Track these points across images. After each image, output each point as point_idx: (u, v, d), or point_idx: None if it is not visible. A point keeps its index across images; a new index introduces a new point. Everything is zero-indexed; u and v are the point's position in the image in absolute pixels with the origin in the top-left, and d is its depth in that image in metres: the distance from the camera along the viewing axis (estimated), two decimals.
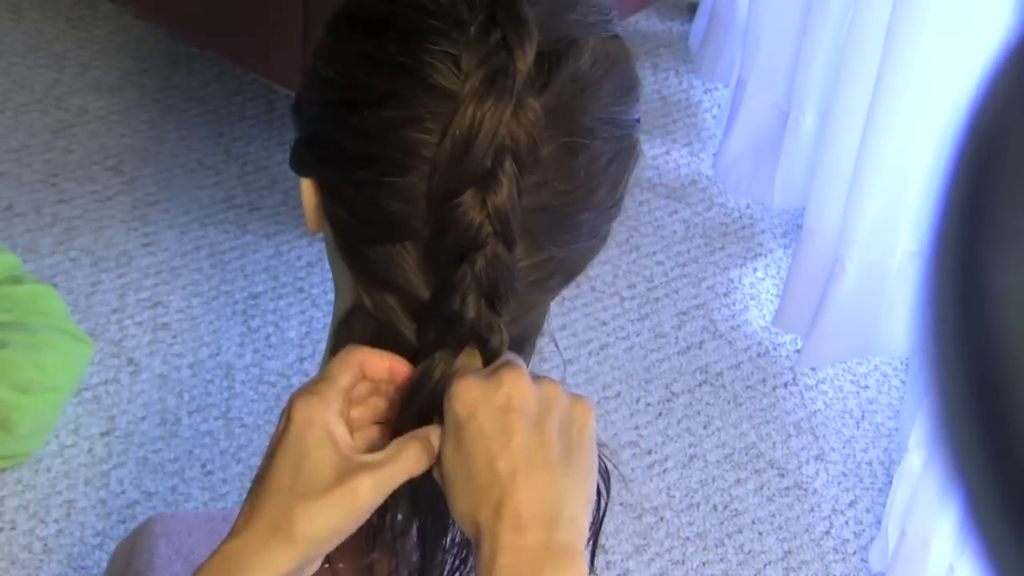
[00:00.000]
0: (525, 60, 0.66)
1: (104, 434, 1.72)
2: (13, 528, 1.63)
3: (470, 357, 0.70)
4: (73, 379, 1.72)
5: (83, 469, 1.69)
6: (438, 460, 0.68)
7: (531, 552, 0.65)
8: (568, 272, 0.74)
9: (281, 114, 2.19)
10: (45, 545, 1.61)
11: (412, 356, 0.71)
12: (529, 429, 0.66)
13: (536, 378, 0.68)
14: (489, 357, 0.70)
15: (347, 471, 0.66)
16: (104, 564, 1.58)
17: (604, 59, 0.71)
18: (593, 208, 0.72)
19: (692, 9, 2.43)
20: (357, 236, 0.72)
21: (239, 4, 1.98)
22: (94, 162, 2.09)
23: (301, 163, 0.73)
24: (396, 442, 0.68)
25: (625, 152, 0.73)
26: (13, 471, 1.68)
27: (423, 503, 0.73)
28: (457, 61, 0.66)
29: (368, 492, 0.66)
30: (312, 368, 1.80)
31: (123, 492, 1.67)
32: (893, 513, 1.63)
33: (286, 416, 0.68)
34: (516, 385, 0.66)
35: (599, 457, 0.75)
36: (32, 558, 1.60)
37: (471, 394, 0.66)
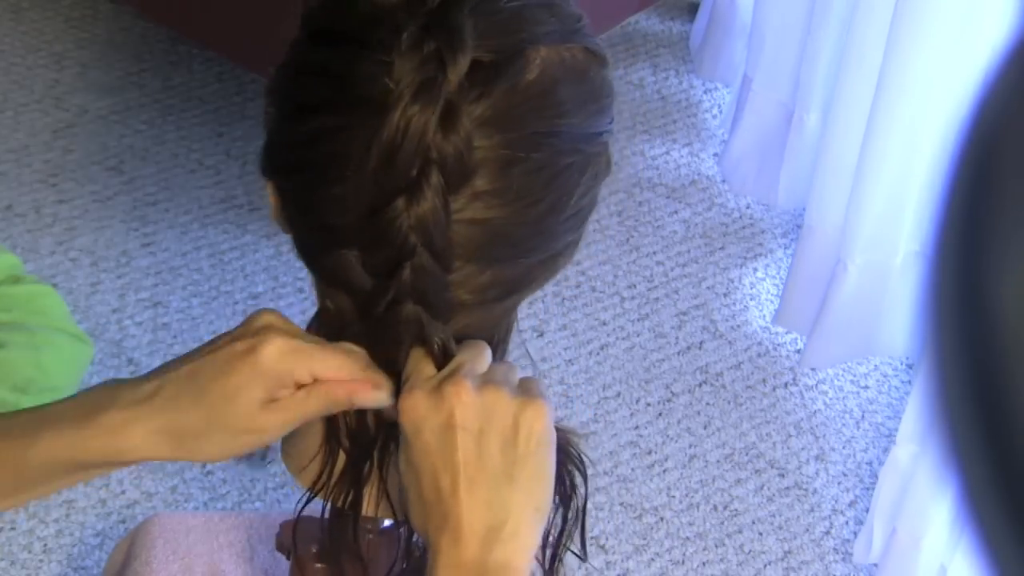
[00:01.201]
0: (456, 70, 0.64)
1: None
2: (13, 528, 1.63)
3: (419, 360, 0.70)
4: (73, 379, 1.72)
5: None
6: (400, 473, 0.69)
7: (467, 569, 0.65)
8: (514, 286, 0.72)
9: None
10: (45, 545, 1.61)
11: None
12: (469, 445, 0.66)
13: (483, 384, 0.68)
14: (436, 356, 0.70)
15: (270, 410, 0.69)
16: (104, 564, 1.58)
17: (558, 70, 0.69)
18: (532, 224, 0.69)
19: (692, 9, 2.43)
20: (308, 241, 0.72)
21: (239, 4, 1.98)
22: (94, 162, 2.09)
23: (262, 167, 0.74)
24: (305, 390, 0.70)
25: (576, 167, 0.70)
26: None
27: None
28: (390, 70, 0.65)
29: (279, 435, 0.71)
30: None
31: (123, 492, 1.67)
32: (879, 506, 1.63)
33: (255, 335, 0.70)
34: (458, 401, 0.66)
35: (570, 448, 0.75)
36: (32, 558, 1.60)
37: (417, 411, 0.67)
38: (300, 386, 0.70)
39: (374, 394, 0.70)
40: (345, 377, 0.70)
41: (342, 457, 0.76)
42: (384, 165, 0.65)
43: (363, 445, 0.75)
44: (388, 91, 0.65)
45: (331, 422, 0.75)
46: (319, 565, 0.80)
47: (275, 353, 0.69)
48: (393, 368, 0.71)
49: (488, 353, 0.71)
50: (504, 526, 0.66)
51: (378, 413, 0.74)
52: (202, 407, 0.69)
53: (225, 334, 0.72)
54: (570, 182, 0.70)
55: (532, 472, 0.68)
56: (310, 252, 0.72)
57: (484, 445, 0.67)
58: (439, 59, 0.65)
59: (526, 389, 0.69)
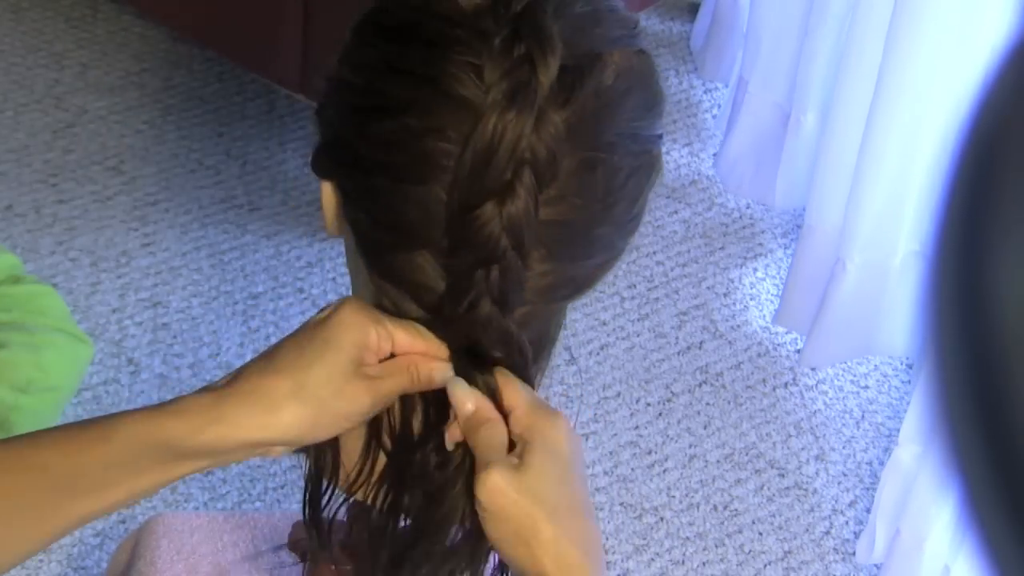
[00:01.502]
0: (548, 74, 0.66)
1: None
2: None
3: (495, 427, 0.72)
4: (73, 379, 1.72)
5: None
6: (517, 491, 0.70)
7: None
8: (579, 285, 0.73)
9: (281, 114, 2.19)
10: None
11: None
12: (551, 523, 0.70)
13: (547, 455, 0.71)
14: (510, 365, 0.72)
15: (358, 379, 0.69)
16: (104, 564, 1.58)
17: (627, 74, 0.71)
18: (610, 223, 0.71)
19: (693, 9, 2.43)
20: (377, 241, 0.72)
21: (239, 4, 1.98)
22: (94, 162, 2.09)
23: (322, 167, 0.73)
24: (396, 362, 0.71)
25: (645, 167, 0.72)
26: None
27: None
28: (480, 73, 0.66)
29: (368, 411, 0.71)
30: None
31: None
32: (882, 507, 1.63)
33: (332, 306, 0.71)
34: (539, 482, 0.69)
35: None
36: (32, 558, 1.60)
37: (572, 441, 0.72)
38: (382, 361, 0.71)
39: (452, 376, 0.72)
40: (421, 348, 0.71)
41: (382, 458, 0.76)
42: (479, 167, 0.66)
43: (406, 447, 0.75)
44: (480, 93, 0.66)
45: (374, 422, 0.75)
46: (347, 567, 0.80)
47: (356, 309, 0.70)
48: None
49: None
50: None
51: (426, 416, 0.74)
52: (290, 372, 0.69)
53: (300, 325, 0.73)
54: (641, 183, 0.72)
55: (590, 515, 0.73)
56: (378, 252, 0.72)
57: (563, 519, 0.70)
58: (530, 62, 0.65)
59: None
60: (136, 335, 1.85)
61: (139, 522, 1.36)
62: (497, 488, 0.68)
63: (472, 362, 0.72)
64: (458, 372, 0.72)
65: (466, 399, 0.72)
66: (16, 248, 1.93)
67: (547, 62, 0.65)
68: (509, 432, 0.72)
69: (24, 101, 2.18)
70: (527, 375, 0.74)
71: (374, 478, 0.76)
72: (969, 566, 1.52)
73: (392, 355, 0.72)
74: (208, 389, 0.70)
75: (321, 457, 0.77)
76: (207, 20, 2.04)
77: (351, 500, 0.78)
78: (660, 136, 0.74)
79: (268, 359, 0.70)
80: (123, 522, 1.63)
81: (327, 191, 0.73)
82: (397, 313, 0.73)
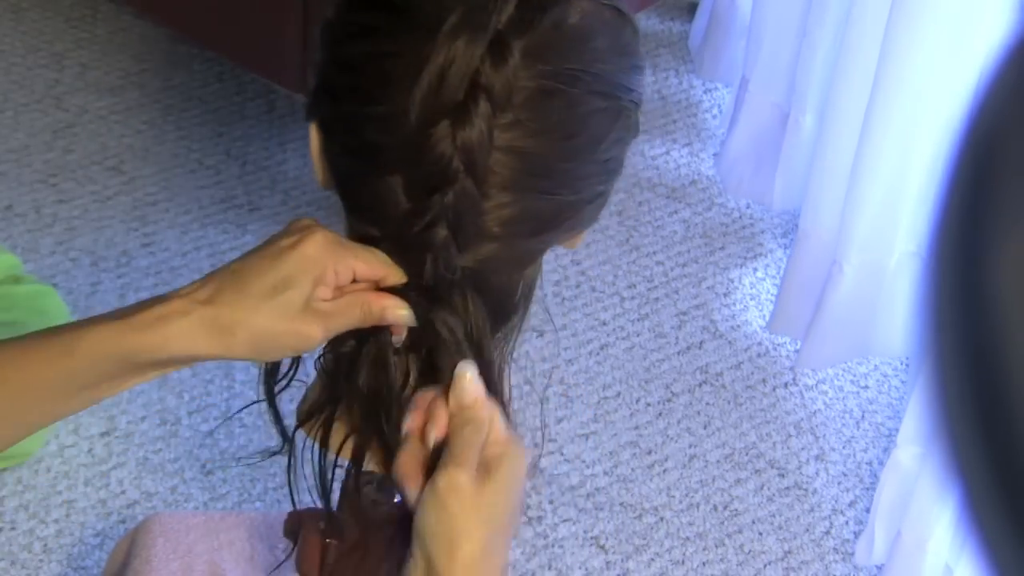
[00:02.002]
0: (508, 2, 0.69)
1: (104, 434, 1.72)
2: (13, 528, 1.63)
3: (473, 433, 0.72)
4: None
5: (83, 469, 1.69)
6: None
7: None
8: (542, 223, 0.74)
9: (281, 114, 2.19)
10: (45, 545, 1.61)
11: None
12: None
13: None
14: (454, 309, 0.74)
15: (310, 314, 0.72)
16: (104, 564, 1.58)
17: (594, 19, 0.73)
18: (572, 159, 0.73)
19: (692, 9, 2.43)
20: (348, 170, 0.74)
21: (239, 4, 1.98)
22: (94, 162, 2.09)
23: (308, 108, 0.76)
24: (348, 299, 0.73)
25: (612, 112, 0.74)
26: (13, 471, 1.68)
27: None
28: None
29: (315, 345, 0.74)
30: (312, 368, 1.79)
31: (123, 492, 1.67)
32: (880, 508, 1.63)
33: (300, 232, 0.72)
34: (494, 503, 0.70)
35: None
36: (32, 558, 1.60)
37: (457, 500, 0.70)
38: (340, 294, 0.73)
39: (403, 312, 0.73)
40: (381, 274, 0.73)
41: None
42: (433, 88, 0.68)
43: (338, 372, 0.78)
44: (439, 18, 0.68)
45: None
46: (328, 540, 0.80)
47: (320, 243, 0.72)
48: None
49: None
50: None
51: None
52: (247, 300, 0.72)
53: (269, 237, 0.74)
54: (603, 125, 0.74)
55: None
56: (351, 183, 0.75)
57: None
58: None
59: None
60: None
61: (139, 522, 1.36)
62: (461, 489, 0.69)
63: (427, 299, 0.74)
64: (414, 308, 0.74)
65: (472, 388, 0.73)
66: (16, 248, 1.93)
67: None
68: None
69: (24, 101, 2.18)
70: (477, 322, 0.76)
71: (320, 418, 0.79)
72: (971, 567, 1.52)
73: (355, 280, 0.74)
74: (170, 298, 0.73)
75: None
76: (207, 20, 2.04)
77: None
78: (633, 91, 0.76)
79: (233, 278, 0.73)
80: (123, 522, 1.63)
81: (313, 135, 0.76)
82: (364, 242, 0.75)
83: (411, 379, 0.77)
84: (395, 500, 0.79)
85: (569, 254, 2.02)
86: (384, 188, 0.72)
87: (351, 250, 0.73)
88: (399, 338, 0.75)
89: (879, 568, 1.66)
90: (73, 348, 0.72)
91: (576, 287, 1.98)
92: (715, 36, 2.26)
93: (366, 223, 0.74)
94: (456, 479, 0.69)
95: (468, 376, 0.73)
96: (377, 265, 0.73)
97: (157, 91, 2.21)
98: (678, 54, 2.38)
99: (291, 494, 0.80)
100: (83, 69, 2.24)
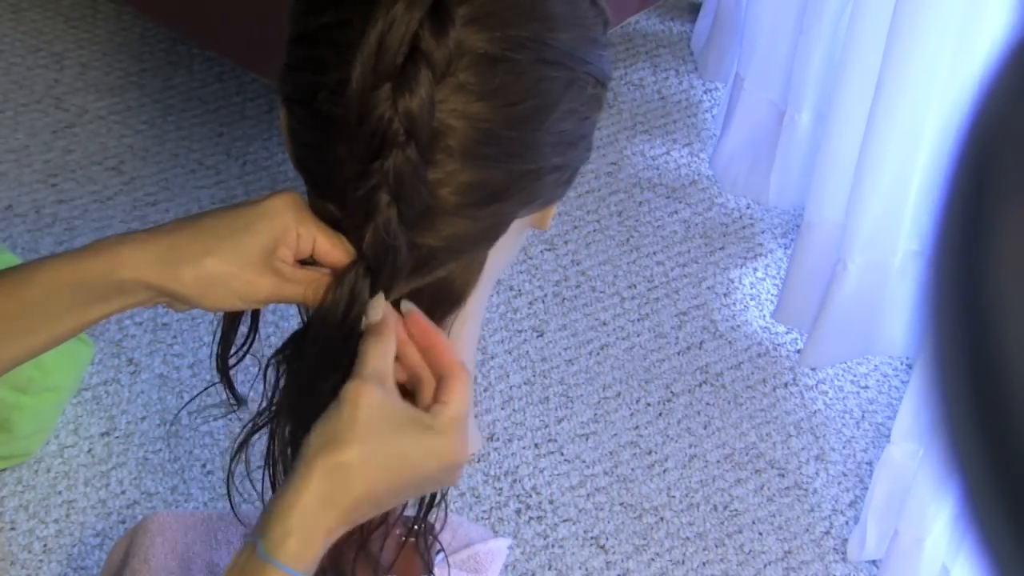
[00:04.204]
0: None
1: (104, 434, 1.72)
2: (13, 528, 1.63)
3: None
4: (73, 379, 1.72)
5: (83, 469, 1.69)
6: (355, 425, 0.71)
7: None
8: (493, 193, 0.73)
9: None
10: (45, 545, 1.61)
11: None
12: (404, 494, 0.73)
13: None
14: (391, 272, 0.74)
15: (265, 267, 0.73)
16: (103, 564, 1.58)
17: None
18: (518, 128, 0.72)
19: (693, 9, 2.43)
20: (305, 143, 0.75)
21: (239, 4, 1.98)
22: (94, 162, 2.09)
23: (278, 88, 0.77)
24: (307, 272, 0.74)
25: (562, 82, 0.73)
26: (13, 471, 1.68)
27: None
28: None
29: (262, 299, 0.74)
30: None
31: (123, 492, 1.67)
32: (874, 504, 1.63)
33: (267, 197, 0.74)
34: (452, 460, 0.72)
35: None
36: (32, 558, 1.60)
37: (457, 442, 0.71)
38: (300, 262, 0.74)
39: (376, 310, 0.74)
40: (338, 258, 0.74)
41: None
42: (372, 54, 0.68)
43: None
44: None
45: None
46: None
47: (288, 201, 0.74)
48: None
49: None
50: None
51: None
52: (203, 237, 0.73)
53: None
54: (553, 94, 0.73)
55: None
56: (308, 155, 0.75)
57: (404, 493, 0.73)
58: None
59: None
60: (136, 335, 1.85)
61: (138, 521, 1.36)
62: (360, 395, 0.69)
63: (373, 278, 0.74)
64: (360, 287, 0.74)
65: (379, 306, 0.74)
66: (16, 248, 1.93)
67: None
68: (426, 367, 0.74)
69: (24, 101, 2.18)
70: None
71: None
72: (969, 566, 1.52)
73: (312, 260, 0.75)
74: (130, 233, 0.74)
75: (230, 321, 0.82)
76: (207, 20, 2.04)
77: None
78: (591, 64, 0.75)
79: (194, 220, 0.74)
80: (123, 522, 1.63)
81: (283, 117, 0.77)
82: (322, 216, 0.75)
83: None
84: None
85: (569, 254, 2.02)
86: (334, 158, 0.72)
87: (318, 223, 0.74)
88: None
89: (875, 565, 1.66)
90: (30, 279, 0.73)
91: (576, 287, 1.98)
92: (718, 37, 2.26)
93: (322, 197, 0.75)
94: (355, 386, 0.70)
95: (375, 302, 0.74)
96: (339, 249, 0.74)
97: (157, 91, 2.21)
98: (679, 54, 2.38)
99: (228, 491, 0.81)
100: (83, 69, 2.24)
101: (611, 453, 1.77)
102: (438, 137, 0.70)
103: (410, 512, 0.83)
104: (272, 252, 0.73)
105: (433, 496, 0.81)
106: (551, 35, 0.72)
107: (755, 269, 2.03)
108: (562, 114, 0.74)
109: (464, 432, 0.72)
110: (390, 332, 0.73)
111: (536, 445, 1.77)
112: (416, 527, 0.80)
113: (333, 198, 0.74)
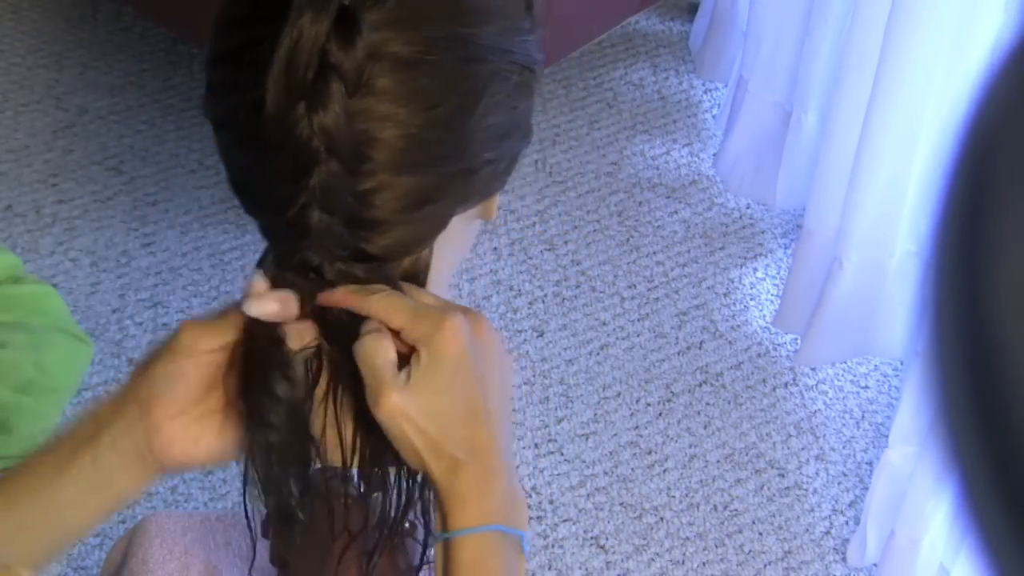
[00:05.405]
0: None
1: None
2: None
3: (393, 296, 0.73)
4: (73, 379, 1.71)
5: None
6: (411, 395, 0.71)
7: (506, 496, 0.73)
8: (428, 195, 0.72)
9: None
10: None
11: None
12: (500, 383, 0.74)
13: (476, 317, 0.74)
14: (324, 280, 0.73)
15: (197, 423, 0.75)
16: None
17: None
18: (439, 128, 0.70)
19: (692, 9, 2.43)
20: (235, 165, 0.74)
21: None
22: (94, 162, 2.09)
23: (203, 112, 0.76)
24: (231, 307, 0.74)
25: (483, 77, 0.72)
26: None
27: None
28: None
29: (186, 344, 0.73)
30: None
31: None
32: (873, 508, 1.63)
33: (173, 340, 0.74)
34: (490, 337, 0.73)
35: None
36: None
37: (463, 342, 0.71)
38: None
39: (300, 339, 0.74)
40: (287, 311, 0.73)
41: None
42: (283, 70, 0.67)
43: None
44: (290, 1, 0.67)
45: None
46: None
47: (191, 333, 0.74)
48: (311, 287, 0.74)
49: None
50: (511, 449, 0.75)
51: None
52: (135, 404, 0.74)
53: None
54: (476, 91, 0.71)
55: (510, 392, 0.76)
56: (239, 177, 0.74)
57: (503, 378, 0.74)
58: None
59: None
60: (136, 335, 1.85)
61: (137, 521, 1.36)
62: (396, 409, 0.70)
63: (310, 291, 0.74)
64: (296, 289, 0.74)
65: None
66: (16, 248, 1.93)
67: None
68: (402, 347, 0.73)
69: (24, 101, 2.18)
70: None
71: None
72: (967, 566, 1.52)
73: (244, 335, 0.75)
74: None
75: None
76: (207, 20, 2.04)
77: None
78: (515, 54, 0.74)
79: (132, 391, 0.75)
80: (123, 522, 1.63)
81: (215, 137, 0.75)
82: (261, 230, 0.75)
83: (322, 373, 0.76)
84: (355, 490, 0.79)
85: (569, 254, 2.02)
86: (262, 176, 0.71)
87: (220, 319, 0.75)
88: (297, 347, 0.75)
89: (873, 565, 1.66)
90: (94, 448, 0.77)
91: (576, 287, 1.98)
92: (715, 36, 2.26)
93: (257, 216, 0.74)
94: (386, 404, 0.70)
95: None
96: (281, 304, 0.73)
97: (157, 91, 2.21)
98: (678, 54, 2.38)
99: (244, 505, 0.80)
100: (83, 69, 2.24)
101: (611, 453, 1.77)
102: (361, 148, 0.69)
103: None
104: (205, 399, 0.74)
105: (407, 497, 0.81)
106: (469, 31, 0.71)
107: (755, 269, 2.03)
108: (487, 108, 0.72)
109: (450, 337, 0.72)
110: (383, 330, 0.72)
111: (536, 445, 1.77)
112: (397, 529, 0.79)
113: (269, 217, 0.73)
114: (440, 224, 0.75)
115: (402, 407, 0.70)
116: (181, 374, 0.73)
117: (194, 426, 0.74)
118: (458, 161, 0.73)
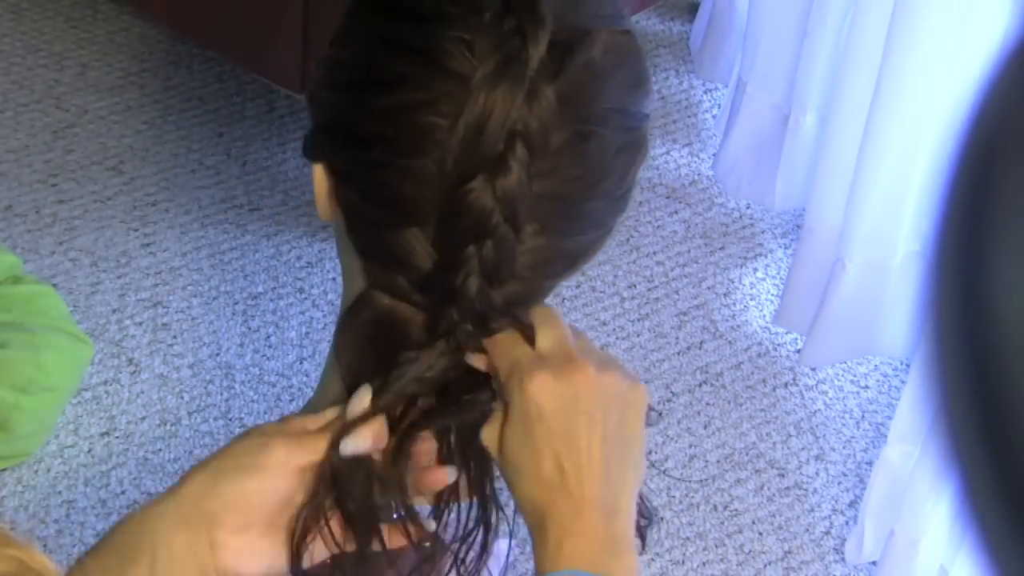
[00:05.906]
0: (538, 47, 0.67)
1: (104, 434, 1.72)
2: (13, 529, 1.62)
3: (516, 340, 0.72)
4: (73, 379, 1.72)
5: (83, 469, 1.69)
6: (501, 446, 0.71)
7: (596, 539, 0.68)
8: (571, 260, 0.74)
9: (281, 114, 2.19)
10: (45, 545, 1.61)
11: (415, 346, 0.73)
12: (595, 428, 0.69)
13: (599, 367, 0.71)
14: (487, 333, 0.72)
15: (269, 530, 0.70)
16: None
17: (615, 51, 0.72)
18: (601, 198, 0.72)
19: (692, 9, 2.43)
20: (368, 219, 0.72)
21: (239, 4, 1.98)
22: (94, 162, 2.09)
23: (315, 149, 0.74)
24: (328, 416, 0.72)
25: (634, 144, 0.73)
26: (13, 471, 1.68)
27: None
28: (471, 47, 0.67)
29: (278, 460, 0.69)
30: (312, 368, 1.80)
31: (123, 492, 1.67)
32: (870, 506, 1.63)
33: (263, 455, 0.70)
34: (585, 387, 0.70)
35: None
36: None
37: (546, 395, 0.69)
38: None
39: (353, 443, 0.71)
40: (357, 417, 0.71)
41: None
42: (471, 140, 0.67)
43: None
44: (472, 67, 0.67)
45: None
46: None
47: (287, 450, 0.70)
48: (447, 341, 0.72)
49: (563, 321, 0.74)
50: (620, 502, 0.70)
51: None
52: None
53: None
54: (630, 160, 0.73)
55: (637, 453, 0.72)
56: (367, 231, 0.73)
57: (605, 427, 0.70)
58: (521, 36, 0.67)
59: (621, 367, 0.73)
60: (136, 335, 1.85)
61: None
62: (548, 385, 0.69)
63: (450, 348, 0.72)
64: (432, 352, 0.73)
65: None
66: (16, 248, 1.93)
67: (537, 35, 0.67)
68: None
69: (24, 101, 2.18)
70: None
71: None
72: (966, 566, 1.52)
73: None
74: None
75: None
76: (207, 20, 2.04)
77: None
78: (647, 116, 0.75)
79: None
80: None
81: (319, 174, 0.74)
82: (387, 289, 0.73)
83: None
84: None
85: None
86: (408, 239, 0.70)
87: (306, 440, 0.71)
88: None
89: (873, 565, 1.66)
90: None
91: (576, 287, 1.98)
92: (713, 37, 2.26)
93: (386, 270, 0.72)
94: (523, 380, 0.69)
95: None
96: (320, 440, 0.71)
97: (157, 91, 2.21)
98: (678, 54, 2.38)
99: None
100: (83, 69, 2.24)
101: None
102: (527, 216, 0.69)
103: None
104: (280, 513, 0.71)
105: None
106: (626, 100, 0.72)
107: (755, 269, 2.03)
108: (633, 175, 0.74)
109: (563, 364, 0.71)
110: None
111: None
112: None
113: (400, 272, 0.72)
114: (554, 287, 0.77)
115: (549, 385, 0.69)
116: (272, 490, 0.69)
117: (262, 541, 0.70)
118: (602, 226, 0.74)
